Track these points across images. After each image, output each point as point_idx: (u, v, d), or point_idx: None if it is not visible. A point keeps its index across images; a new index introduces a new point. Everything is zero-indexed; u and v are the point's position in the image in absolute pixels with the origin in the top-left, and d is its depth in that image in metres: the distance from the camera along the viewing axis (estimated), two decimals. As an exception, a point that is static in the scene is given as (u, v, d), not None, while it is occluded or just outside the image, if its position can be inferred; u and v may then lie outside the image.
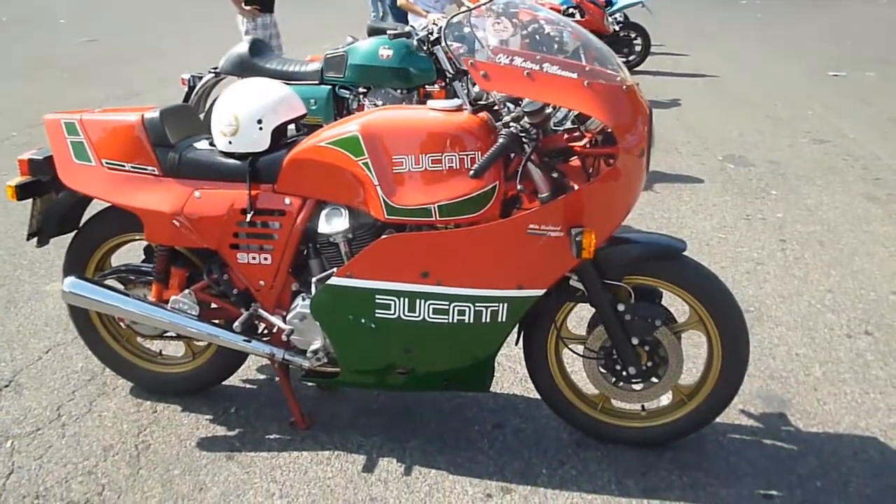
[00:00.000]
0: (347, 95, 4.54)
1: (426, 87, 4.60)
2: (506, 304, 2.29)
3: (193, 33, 13.31)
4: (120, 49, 11.66)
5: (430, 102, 2.36)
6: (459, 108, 2.31)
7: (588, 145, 2.24)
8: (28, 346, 3.20)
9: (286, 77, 4.54)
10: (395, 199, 2.24)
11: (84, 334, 2.81)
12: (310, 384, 2.74)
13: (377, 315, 2.33)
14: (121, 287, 2.68)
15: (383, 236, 2.33)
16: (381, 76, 4.41)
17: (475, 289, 2.27)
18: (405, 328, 2.33)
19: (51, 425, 2.68)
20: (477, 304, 2.29)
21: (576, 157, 2.27)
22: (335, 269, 2.36)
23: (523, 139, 2.16)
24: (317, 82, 4.53)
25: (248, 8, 5.75)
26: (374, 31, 6.26)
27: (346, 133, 2.28)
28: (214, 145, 2.50)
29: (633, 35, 9.78)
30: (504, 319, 2.32)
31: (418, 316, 2.31)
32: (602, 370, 2.47)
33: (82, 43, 12.35)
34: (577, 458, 2.52)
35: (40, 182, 2.57)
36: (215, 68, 4.79)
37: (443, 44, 2.17)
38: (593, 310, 2.42)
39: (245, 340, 2.52)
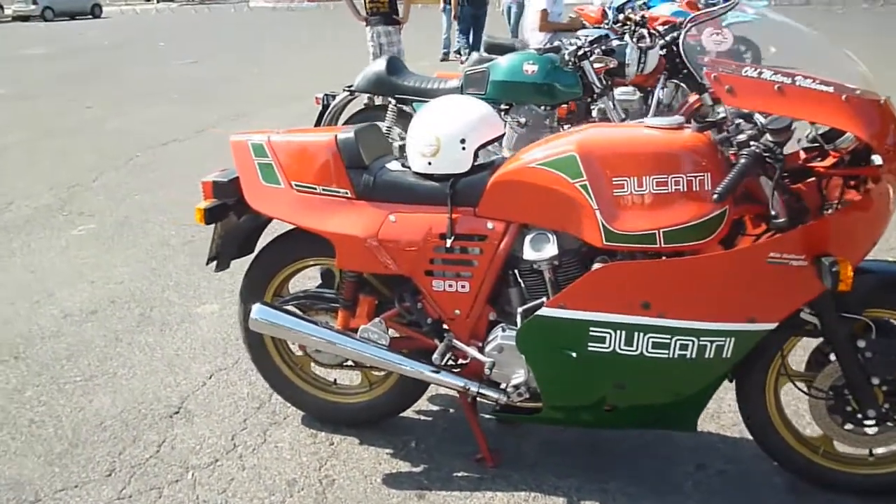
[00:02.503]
0: (488, 113, 4.41)
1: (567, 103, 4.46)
2: (733, 339, 2.10)
3: (292, 52, 13.52)
4: (222, 70, 11.91)
5: (647, 120, 2.20)
6: (680, 127, 2.14)
7: (834, 166, 2.03)
8: (190, 370, 3.15)
9: (425, 94, 4.47)
10: (615, 225, 2.08)
11: (258, 361, 2.73)
12: (487, 417, 2.58)
13: (590, 348, 2.16)
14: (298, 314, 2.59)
15: (596, 264, 2.17)
16: (525, 92, 4.28)
17: (701, 322, 2.08)
18: (620, 363, 2.16)
19: (228, 456, 2.60)
20: (702, 339, 2.10)
21: (812, 178, 2.07)
22: (544, 299, 2.21)
23: (766, 159, 1.97)
24: (456, 100, 4.42)
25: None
26: (492, 48, 6.20)
27: (561, 153, 2.13)
28: (407, 166, 2.38)
29: (743, 48, 9.41)
30: (729, 355, 2.12)
31: (636, 350, 2.13)
32: (831, 412, 2.24)
33: (185, 65, 12.68)
34: (802, 507, 2.29)
35: (226, 205, 2.50)
36: (350, 86, 4.75)
37: (683, 56, 1.99)
38: (814, 345, 2.20)
39: (437, 372, 2.39)
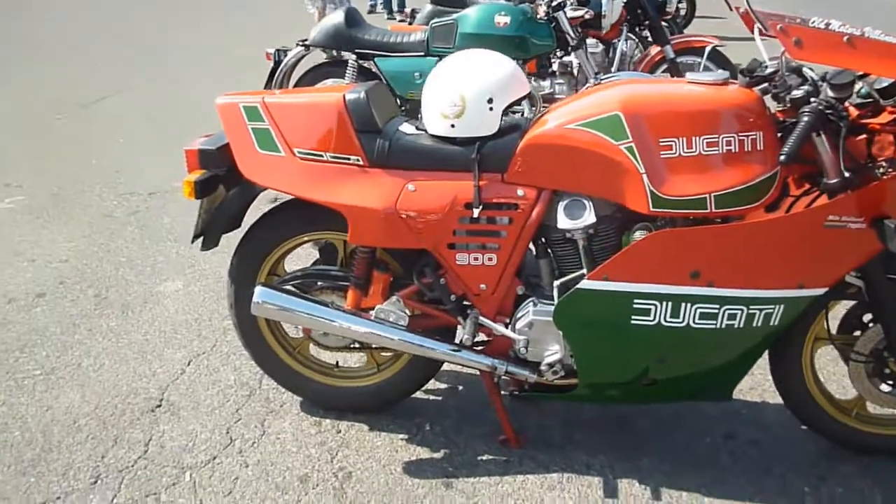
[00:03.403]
0: (456, 68, 4.18)
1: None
2: (782, 306, 2.00)
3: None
4: (139, 23, 11.15)
5: (690, 75, 2.04)
6: (726, 82, 1.99)
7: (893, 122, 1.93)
8: (164, 357, 2.87)
9: (389, 49, 4.21)
10: (664, 189, 1.93)
11: (251, 345, 2.48)
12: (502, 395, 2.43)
13: (633, 322, 2.03)
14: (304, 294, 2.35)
15: (637, 232, 2.02)
16: (497, 46, 3.98)
17: (751, 289, 1.97)
18: (664, 335, 2.03)
19: (226, 452, 2.37)
20: (751, 307, 1.99)
21: (863, 135, 1.97)
22: (584, 271, 2.05)
23: (829, 116, 1.84)
24: (422, 54, 4.19)
25: None
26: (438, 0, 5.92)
27: (603, 113, 1.96)
28: (423, 129, 2.17)
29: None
30: (777, 322, 2.02)
31: (682, 321, 2.01)
32: (870, 375, 2.18)
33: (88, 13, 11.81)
34: (836, 472, 2.24)
35: (217, 176, 2.23)
36: (304, 40, 4.42)
37: (747, 2, 1.83)
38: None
39: (462, 352, 2.21)
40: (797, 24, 1.81)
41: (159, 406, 2.59)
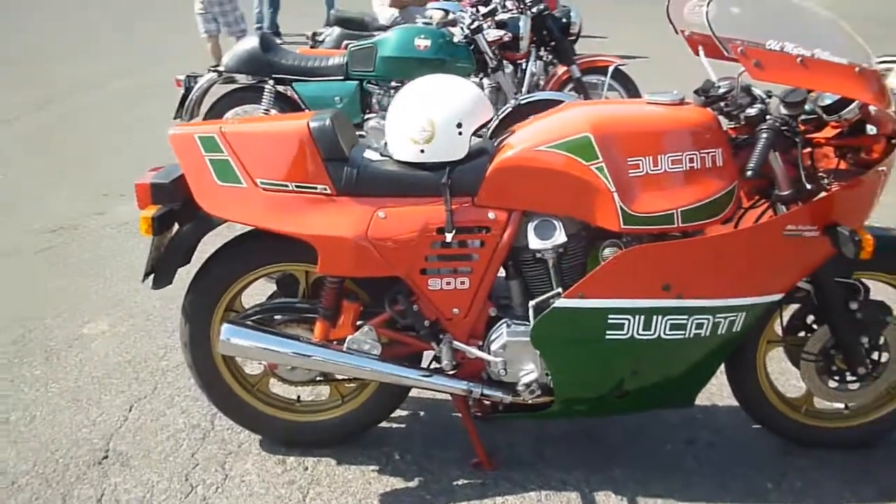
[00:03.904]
0: (377, 91, 4.18)
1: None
2: (744, 313, 2.10)
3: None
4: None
5: (648, 96, 2.12)
6: (682, 102, 2.09)
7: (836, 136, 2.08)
8: (102, 404, 2.70)
9: (307, 73, 4.16)
10: (633, 207, 1.99)
11: (209, 388, 2.37)
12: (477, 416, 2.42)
13: (608, 337, 2.07)
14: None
15: (607, 249, 2.08)
16: (417, 69, 4.04)
17: (717, 299, 2.06)
18: (636, 348, 2.09)
19: (189, 500, 2.25)
20: (717, 316, 2.08)
21: (810, 148, 2.11)
22: (559, 290, 2.08)
23: (785, 132, 1.96)
24: (342, 77, 4.15)
25: None
26: (340, 21, 5.91)
27: (573, 134, 2.00)
28: (387, 155, 2.15)
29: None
30: (739, 329, 2.13)
31: (654, 334, 2.08)
32: (820, 373, 2.32)
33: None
34: (794, 467, 2.36)
35: (173, 211, 2.12)
36: (216, 66, 4.29)
37: (710, 29, 1.91)
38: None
39: (438, 379, 2.20)
40: (755, 46, 1.92)
41: (106, 457, 2.43)
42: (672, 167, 2.00)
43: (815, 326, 2.32)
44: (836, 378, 2.31)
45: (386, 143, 2.16)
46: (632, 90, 5.27)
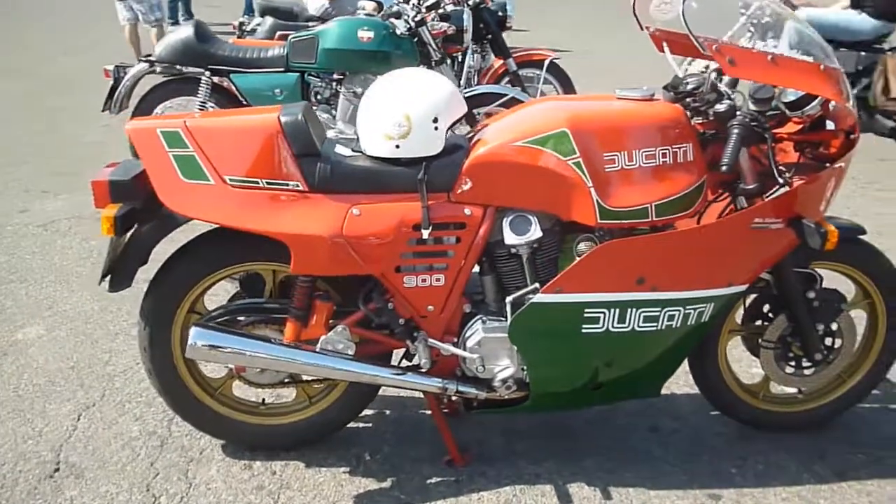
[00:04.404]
0: (319, 83, 4.10)
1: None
2: (712, 304, 2.15)
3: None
4: None
5: (619, 91, 2.14)
6: (652, 98, 2.12)
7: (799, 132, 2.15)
8: (47, 413, 2.55)
9: (245, 64, 4.03)
10: (610, 201, 2.01)
11: (169, 393, 2.27)
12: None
13: (584, 330, 2.09)
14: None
15: (582, 244, 2.10)
16: (360, 61, 4.01)
17: (688, 291, 2.11)
18: (611, 341, 2.12)
19: (171, 512, 2.15)
20: (687, 307, 2.12)
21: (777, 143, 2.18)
22: (536, 286, 2.09)
23: (755, 128, 2.02)
24: (282, 69, 4.04)
25: None
26: (268, 11, 5.78)
27: (551, 130, 2.00)
28: (359, 151, 2.10)
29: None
30: (706, 319, 2.18)
31: (627, 326, 2.11)
32: (777, 359, 2.40)
33: None
34: (754, 450, 2.45)
35: (135, 209, 2.02)
36: (148, 56, 4.11)
37: (686, 27, 1.94)
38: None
39: (412, 377, 2.17)
40: (729, 44, 1.96)
41: (57, 470, 2.30)
42: (646, 162, 2.03)
43: (770, 315, 2.40)
44: (793, 364, 2.40)
45: (357, 139, 2.11)
46: (566, 84, 5.35)
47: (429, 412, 2.44)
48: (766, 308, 2.42)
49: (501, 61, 5.17)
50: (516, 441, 2.46)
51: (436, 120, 2.03)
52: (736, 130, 1.98)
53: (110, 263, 2.12)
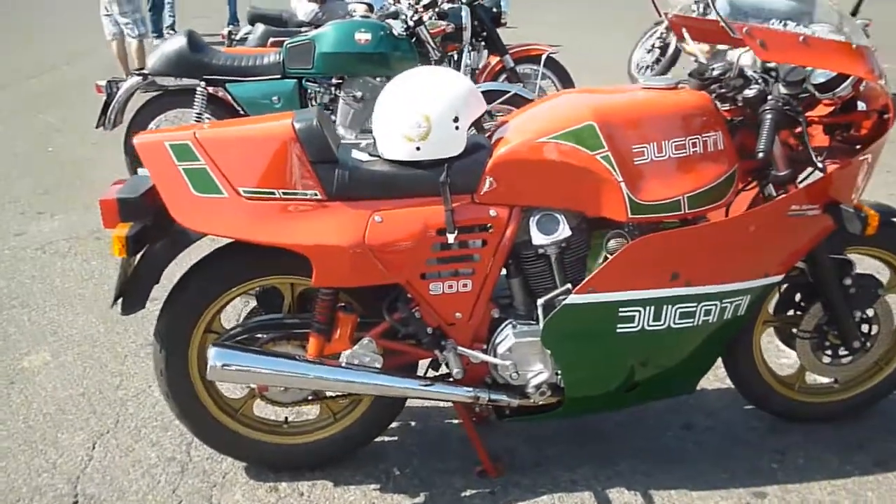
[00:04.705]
0: (317, 88, 4.01)
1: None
2: (749, 296, 2.09)
3: None
4: None
5: (644, 80, 2.08)
6: (677, 86, 2.05)
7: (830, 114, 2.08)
8: (60, 443, 2.45)
9: (241, 73, 3.95)
10: (640, 195, 1.94)
11: (189, 417, 2.18)
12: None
13: (618, 330, 2.02)
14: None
15: (613, 241, 2.02)
16: (358, 64, 3.94)
17: (724, 284, 2.04)
18: (646, 339, 2.04)
19: (180, 541, 2.06)
20: (724, 301, 2.05)
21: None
22: (568, 286, 2.01)
23: (787, 112, 1.95)
24: (279, 76, 3.96)
25: None
26: (257, 18, 5.70)
27: (576, 124, 1.93)
28: (376, 155, 2.02)
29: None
30: (744, 312, 2.12)
31: (663, 324, 2.03)
32: (814, 349, 2.34)
33: None
34: (791, 443, 2.38)
35: (146, 227, 1.93)
36: (140, 69, 4.02)
37: (715, 12, 1.86)
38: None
39: (444, 387, 2.09)
40: (759, 27, 1.89)
41: (76, 502, 2.20)
42: (676, 153, 1.96)
43: (803, 304, 2.33)
44: (830, 353, 2.34)
45: (374, 142, 2.03)
46: (564, 79, 5.27)
47: (453, 421, 2.37)
48: (797, 297, 2.35)
49: (497, 58, 5.09)
50: (546, 447, 2.38)
51: (456, 119, 1.95)
52: (769, 115, 1.90)
53: (122, 285, 2.03)
